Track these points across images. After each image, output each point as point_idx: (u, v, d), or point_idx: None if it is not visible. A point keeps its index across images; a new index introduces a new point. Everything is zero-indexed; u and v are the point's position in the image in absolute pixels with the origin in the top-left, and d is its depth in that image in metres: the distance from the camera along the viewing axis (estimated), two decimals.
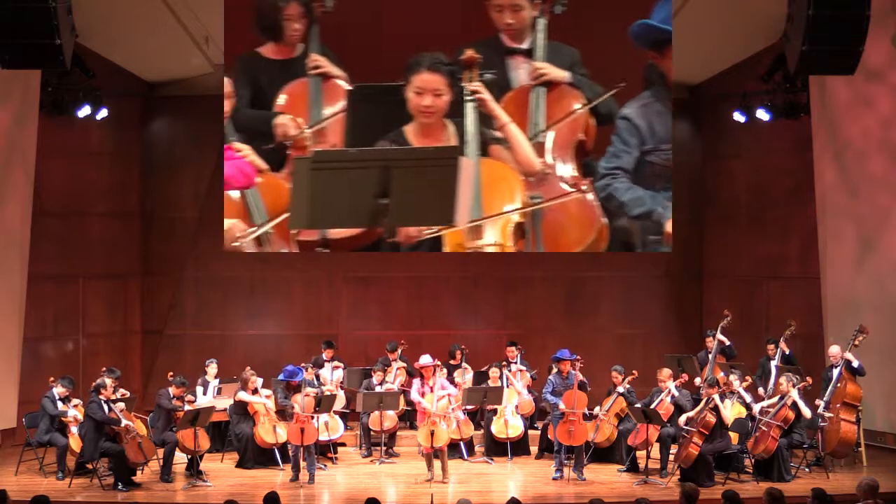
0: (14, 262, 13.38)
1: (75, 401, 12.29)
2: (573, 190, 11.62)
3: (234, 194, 11.70)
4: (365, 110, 11.42)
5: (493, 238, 11.51)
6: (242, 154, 11.61)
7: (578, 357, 12.26)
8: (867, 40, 10.58)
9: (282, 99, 11.87)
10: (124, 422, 11.43)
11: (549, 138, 11.75)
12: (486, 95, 11.35)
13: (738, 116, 14.50)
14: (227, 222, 11.65)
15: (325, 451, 12.84)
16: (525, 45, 11.89)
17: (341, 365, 14.00)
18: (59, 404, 12.10)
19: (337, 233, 11.58)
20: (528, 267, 15.45)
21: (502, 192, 11.41)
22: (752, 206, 15.34)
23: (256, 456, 12.49)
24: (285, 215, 11.34)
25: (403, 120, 11.20)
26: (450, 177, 10.60)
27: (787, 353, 13.05)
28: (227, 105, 11.82)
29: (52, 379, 12.30)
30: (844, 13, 10.43)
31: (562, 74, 11.80)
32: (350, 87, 11.65)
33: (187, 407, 12.10)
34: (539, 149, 11.69)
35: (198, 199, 15.38)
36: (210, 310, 15.55)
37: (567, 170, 11.83)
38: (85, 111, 13.76)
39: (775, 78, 13.74)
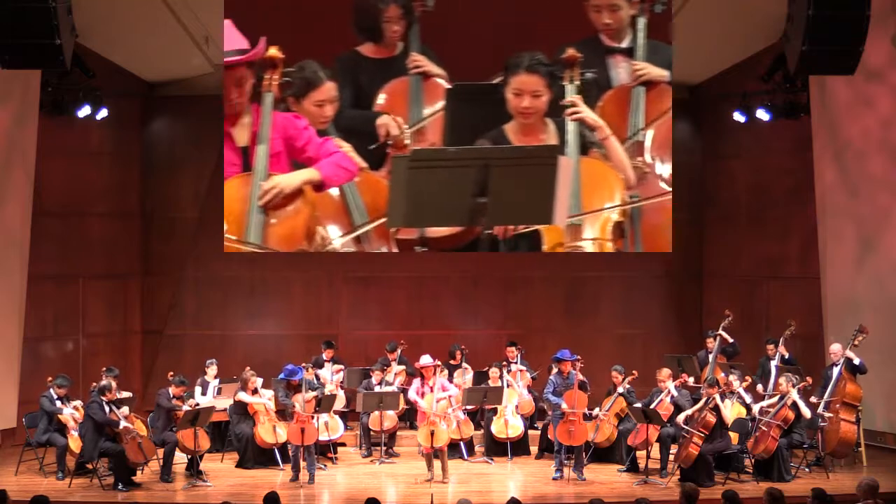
0: (14, 262, 13.38)
1: (75, 402, 12.29)
2: (671, 189, 11.67)
3: (334, 192, 11.64)
4: (464, 109, 11.48)
5: (593, 236, 11.62)
6: (344, 149, 11.55)
7: (579, 357, 12.27)
8: (867, 40, 10.58)
9: (382, 98, 11.90)
10: (122, 424, 11.42)
11: (648, 137, 11.84)
12: (583, 110, 11.40)
13: (738, 116, 14.50)
14: (326, 221, 11.56)
15: (325, 451, 12.84)
16: (625, 45, 11.98)
17: (342, 367, 13.99)
18: (58, 403, 12.10)
19: (435, 231, 11.64)
20: (528, 267, 15.45)
21: (602, 190, 11.49)
22: (752, 206, 15.34)
23: (256, 456, 12.49)
24: (382, 220, 11.44)
25: (503, 119, 11.26)
26: (549, 175, 10.74)
27: (787, 356, 13.05)
28: (331, 109, 11.70)
29: (49, 379, 12.30)
30: (844, 13, 10.43)
31: (661, 73, 11.83)
32: (449, 86, 11.67)
33: (186, 407, 12.10)
34: (638, 148, 11.79)
35: (198, 199, 15.39)
36: (210, 310, 15.55)
37: (666, 169, 11.93)
38: (85, 111, 13.76)
39: (775, 78, 13.74)
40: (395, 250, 12.00)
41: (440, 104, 11.73)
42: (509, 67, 11.11)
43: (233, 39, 11.02)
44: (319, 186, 11.24)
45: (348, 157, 11.46)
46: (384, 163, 11.79)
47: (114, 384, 11.71)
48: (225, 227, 11.26)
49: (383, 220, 11.51)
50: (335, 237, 11.69)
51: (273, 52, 11.15)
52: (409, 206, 10.76)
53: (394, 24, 11.87)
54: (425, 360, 12.71)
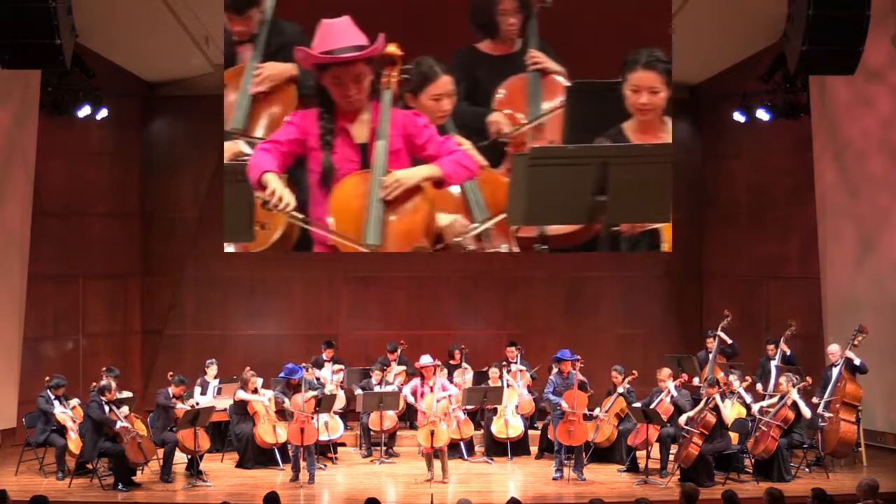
0: (14, 262, 13.38)
1: (74, 401, 12.29)
2: None
3: (455, 190, 11.60)
4: (583, 106, 11.46)
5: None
6: (464, 148, 11.53)
7: (579, 357, 12.27)
8: (867, 40, 10.59)
9: (500, 94, 11.86)
10: (119, 424, 11.41)
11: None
12: None
13: (738, 116, 14.50)
14: (447, 217, 11.40)
15: (325, 451, 12.84)
16: None
17: (342, 367, 13.99)
18: (55, 403, 12.10)
19: (555, 229, 11.60)
20: (528, 267, 15.45)
21: None
22: (752, 206, 15.34)
23: (256, 456, 12.49)
24: (502, 216, 11.41)
25: (622, 116, 11.27)
26: (666, 174, 10.92)
27: (788, 353, 13.06)
28: (448, 103, 11.62)
29: (46, 378, 12.31)
30: (844, 13, 10.43)
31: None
32: (568, 83, 11.66)
33: (183, 406, 12.10)
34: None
35: (198, 199, 15.39)
36: (210, 310, 15.56)
37: None
38: (85, 111, 13.76)
39: (775, 78, 13.74)
40: (515, 249, 11.94)
41: (559, 101, 11.72)
42: (627, 64, 11.10)
43: (351, 35, 10.96)
44: (440, 183, 11.15)
45: (469, 155, 11.38)
46: (503, 160, 11.78)
47: (114, 384, 11.72)
48: (332, 223, 11.01)
49: (503, 216, 11.50)
50: (460, 233, 11.63)
51: (392, 48, 11.12)
52: (530, 204, 10.85)
53: (509, 17, 11.85)
54: (425, 360, 12.71)
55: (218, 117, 12.25)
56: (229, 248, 12.00)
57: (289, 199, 10.74)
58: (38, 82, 13.13)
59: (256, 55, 11.82)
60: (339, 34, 10.93)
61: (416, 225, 11.08)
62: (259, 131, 11.72)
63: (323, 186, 11.13)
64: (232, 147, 11.70)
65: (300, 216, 10.98)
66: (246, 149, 11.64)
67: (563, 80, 11.76)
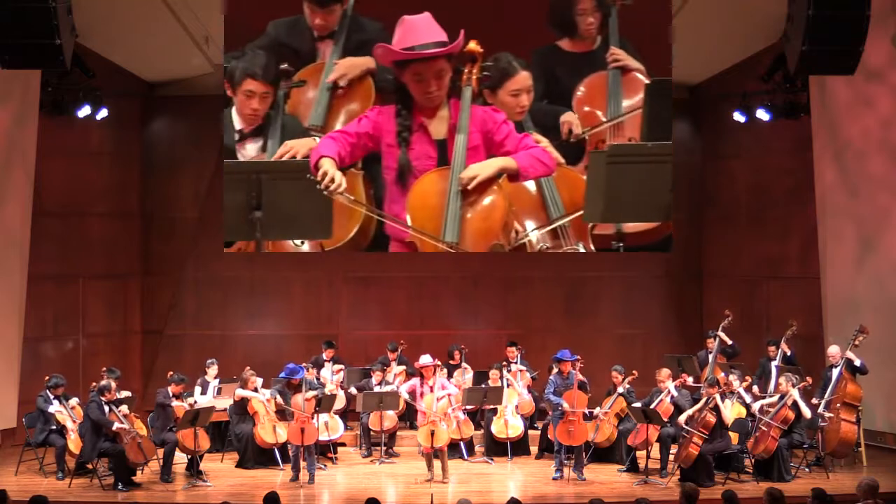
0: (14, 262, 13.38)
1: (73, 400, 12.28)
2: None
3: (531, 187, 11.59)
4: (662, 104, 11.43)
5: None
6: (542, 145, 11.53)
7: (579, 357, 12.27)
8: (867, 40, 10.59)
9: (580, 92, 11.94)
10: (116, 425, 11.39)
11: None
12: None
13: (738, 116, 14.50)
14: (522, 217, 11.52)
15: (325, 451, 12.84)
16: None
17: (342, 366, 13.99)
18: (55, 402, 12.10)
19: (632, 227, 11.65)
20: (528, 267, 15.45)
21: None
22: (752, 206, 15.34)
23: (256, 456, 12.49)
24: (579, 213, 11.50)
25: None
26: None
27: (789, 353, 13.05)
28: (526, 99, 11.70)
29: (46, 378, 12.31)
30: (844, 13, 10.44)
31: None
32: (648, 81, 11.63)
33: (181, 404, 12.10)
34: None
35: (198, 199, 15.39)
36: (210, 310, 15.55)
37: None
38: (85, 111, 13.76)
39: (775, 78, 13.74)
40: (591, 248, 11.97)
41: (639, 98, 11.74)
42: None
43: (432, 32, 10.99)
44: (515, 176, 11.16)
45: (547, 151, 11.41)
46: (583, 158, 11.77)
47: (113, 384, 11.71)
48: (409, 220, 11.09)
49: (580, 213, 11.48)
50: (531, 230, 11.61)
51: (473, 45, 11.14)
52: (607, 201, 10.82)
53: (588, 16, 11.90)
54: (425, 359, 12.70)
55: (218, 117, 12.26)
56: (304, 245, 12.00)
57: (340, 179, 10.82)
58: (38, 82, 13.13)
59: (336, 51, 11.85)
60: (420, 31, 10.97)
61: (494, 222, 11.09)
62: (337, 127, 11.80)
63: (400, 183, 11.19)
64: (308, 143, 11.70)
65: (377, 211, 11.05)
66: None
67: (642, 78, 11.78)
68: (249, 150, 11.97)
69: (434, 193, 11.05)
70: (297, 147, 11.65)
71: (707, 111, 15.71)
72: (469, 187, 10.94)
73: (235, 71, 11.81)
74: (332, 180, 10.75)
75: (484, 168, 11.02)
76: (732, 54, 14.58)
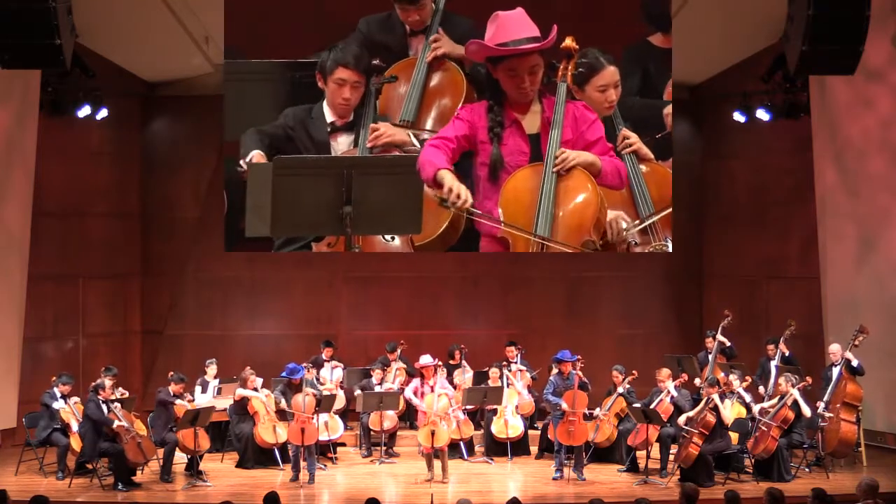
0: (14, 262, 13.38)
1: (74, 399, 12.28)
2: None
3: None
4: None
5: None
6: (630, 141, 11.57)
7: (579, 357, 12.27)
8: (867, 40, 10.58)
9: (672, 87, 12.07)
10: (116, 423, 11.40)
11: None
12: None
13: (738, 116, 14.49)
14: (611, 213, 11.41)
15: (325, 451, 12.84)
16: None
17: (341, 365, 14.00)
18: (60, 401, 12.11)
19: None
20: (528, 267, 15.44)
21: None
22: (752, 206, 15.33)
23: (256, 456, 12.49)
24: (668, 210, 11.53)
25: None
26: None
27: (787, 354, 13.05)
28: (614, 94, 11.72)
29: (53, 378, 12.31)
30: (844, 13, 10.42)
31: None
32: None
33: (182, 402, 12.10)
34: None
35: (198, 199, 15.38)
36: (210, 310, 15.55)
37: None
38: (85, 111, 13.75)
39: (775, 78, 13.73)
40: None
41: None
42: None
43: (526, 27, 11.00)
44: (596, 175, 11.20)
45: (625, 167, 11.45)
46: (670, 154, 11.91)
47: (107, 383, 11.68)
48: (501, 215, 11.09)
49: (669, 210, 11.53)
50: (631, 230, 11.61)
51: (569, 41, 11.14)
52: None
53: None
54: (425, 359, 12.71)
55: (218, 117, 12.24)
56: (395, 241, 11.93)
57: (466, 195, 10.82)
58: (38, 82, 13.13)
59: (428, 46, 11.86)
60: (514, 26, 10.98)
61: (586, 220, 11.06)
62: (429, 123, 11.79)
63: (492, 179, 11.18)
64: (402, 133, 11.69)
65: (476, 211, 11.02)
66: (414, 140, 11.70)
67: None
68: (342, 144, 11.93)
69: (527, 189, 11.02)
70: (389, 130, 11.62)
71: (707, 111, 15.71)
72: (563, 169, 10.96)
73: (327, 62, 11.75)
74: (459, 196, 10.78)
75: (575, 156, 11.08)
76: (732, 54, 14.58)
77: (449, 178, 10.85)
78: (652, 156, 11.69)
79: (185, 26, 13.47)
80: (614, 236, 11.42)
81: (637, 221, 11.42)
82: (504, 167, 11.13)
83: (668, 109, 11.97)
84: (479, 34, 11.17)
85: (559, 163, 10.93)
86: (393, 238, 11.93)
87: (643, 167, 11.65)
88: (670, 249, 11.98)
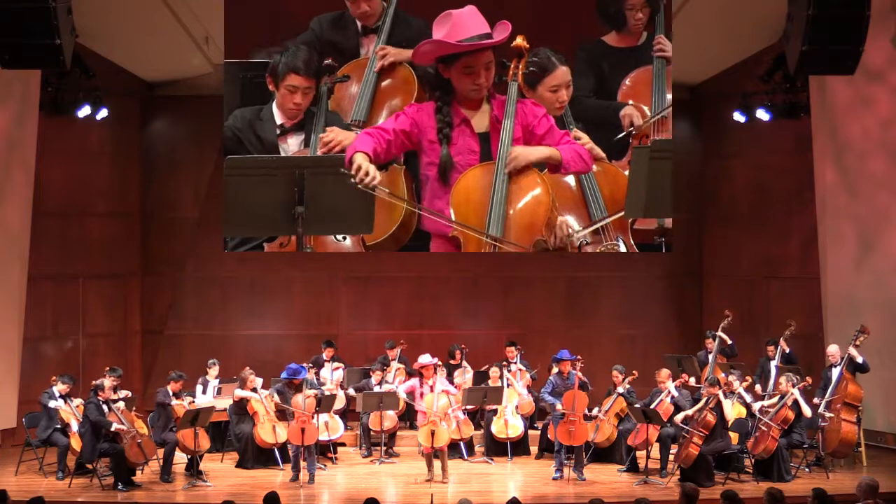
0: (14, 262, 13.38)
1: (77, 401, 12.28)
2: None
3: (571, 182, 11.62)
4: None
5: None
6: (582, 142, 11.56)
7: (579, 357, 12.26)
8: (867, 40, 10.58)
9: (626, 86, 12.02)
10: (115, 426, 11.39)
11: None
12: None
13: (738, 116, 14.50)
14: (561, 218, 11.53)
15: (325, 451, 12.84)
16: None
17: (341, 365, 14.00)
18: (60, 402, 12.11)
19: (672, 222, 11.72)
20: (528, 267, 15.44)
21: None
22: (752, 206, 15.33)
23: (256, 456, 12.49)
24: (619, 214, 11.55)
25: None
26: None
27: (788, 351, 13.05)
28: (565, 94, 11.76)
29: (53, 378, 12.31)
30: (844, 13, 10.43)
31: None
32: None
33: (180, 403, 12.09)
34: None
35: (198, 199, 15.38)
36: (210, 310, 15.55)
37: None
38: (85, 111, 13.76)
39: (775, 78, 13.74)
40: (631, 242, 12.01)
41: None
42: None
43: (479, 24, 11.07)
44: (557, 167, 11.18)
45: (586, 150, 11.46)
46: (625, 153, 11.83)
47: (106, 383, 11.67)
48: (452, 214, 11.09)
49: (621, 213, 11.50)
50: (580, 233, 11.64)
51: (520, 41, 11.18)
52: (649, 196, 10.90)
53: (637, 11, 11.92)
54: (424, 358, 12.69)
55: (218, 117, 12.24)
56: (346, 241, 11.99)
57: (374, 173, 10.86)
58: (38, 82, 13.13)
59: (375, 55, 11.91)
60: (468, 23, 11.07)
61: (538, 218, 11.11)
62: (380, 122, 11.84)
63: (442, 179, 11.22)
64: (351, 136, 11.71)
65: (416, 204, 11.12)
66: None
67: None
68: (292, 145, 11.99)
69: (478, 188, 11.09)
70: (339, 136, 11.70)
71: (707, 111, 15.71)
72: (511, 169, 10.95)
73: (278, 65, 11.82)
74: (367, 173, 10.81)
75: (527, 153, 11.06)
76: (732, 54, 14.59)
77: (360, 158, 10.94)
78: (604, 155, 11.71)
79: (185, 26, 13.47)
80: (564, 238, 11.46)
81: (587, 225, 11.47)
82: (454, 167, 11.20)
83: (627, 110, 11.91)
84: (430, 34, 11.19)
85: (510, 161, 10.96)
86: (344, 238, 11.97)
87: (595, 167, 11.66)
88: (623, 249, 11.97)
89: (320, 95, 11.92)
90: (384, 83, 11.98)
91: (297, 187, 11.21)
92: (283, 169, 11.34)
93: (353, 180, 10.93)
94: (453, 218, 11.08)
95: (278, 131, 11.99)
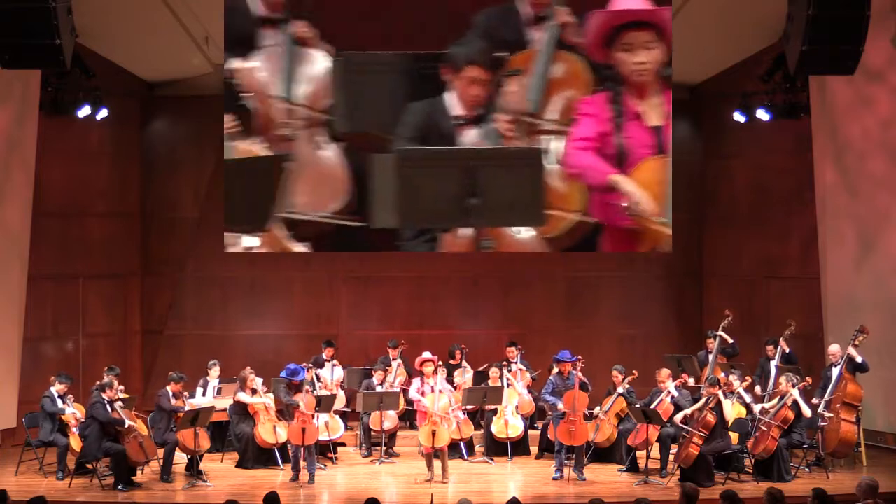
0: (14, 262, 13.38)
1: (73, 410, 12.25)
2: None
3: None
4: None
5: None
6: None
7: (579, 357, 12.26)
8: (867, 40, 10.58)
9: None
10: (128, 423, 11.43)
11: None
12: None
13: (738, 116, 14.51)
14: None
15: (325, 451, 12.84)
16: None
17: (341, 365, 13.99)
18: (59, 402, 12.11)
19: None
20: (528, 267, 15.45)
21: None
22: (752, 206, 15.34)
23: (256, 456, 12.49)
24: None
25: None
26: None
27: (788, 351, 13.05)
28: None
29: (52, 378, 12.31)
30: (844, 13, 10.42)
31: None
32: None
33: (182, 407, 12.10)
34: None
35: (198, 199, 15.39)
36: (210, 310, 15.55)
37: None
38: (85, 111, 13.77)
39: (775, 78, 13.75)
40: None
41: None
42: None
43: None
44: None
45: None
46: None
47: (115, 382, 11.71)
48: (651, 208, 11.14)
49: None
50: None
51: None
52: None
53: None
54: (426, 354, 12.69)
55: (218, 117, 12.24)
56: (523, 234, 11.92)
57: (642, 197, 10.91)
58: (38, 82, 13.14)
59: (548, 37, 11.78)
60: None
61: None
62: (553, 115, 11.75)
63: (617, 170, 11.21)
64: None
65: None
66: None
67: None
68: (469, 137, 11.90)
69: (655, 183, 11.11)
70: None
71: (707, 111, 15.71)
72: None
73: (457, 57, 11.73)
74: (639, 202, 10.90)
75: None
76: (732, 54, 14.59)
77: (624, 182, 10.95)
78: None
79: (185, 26, 13.46)
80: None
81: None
82: (628, 159, 11.13)
83: None
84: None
85: None
86: (520, 232, 11.95)
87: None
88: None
89: (493, 88, 11.81)
90: (555, 75, 11.78)
91: (470, 179, 11.19)
92: (456, 160, 11.30)
93: (629, 210, 10.98)
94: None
95: (455, 122, 11.89)
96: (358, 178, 11.84)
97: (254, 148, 11.83)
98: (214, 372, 13.22)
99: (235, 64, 11.78)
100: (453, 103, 11.68)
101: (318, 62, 11.86)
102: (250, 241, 12.01)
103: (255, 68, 11.78)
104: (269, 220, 11.77)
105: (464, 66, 11.55)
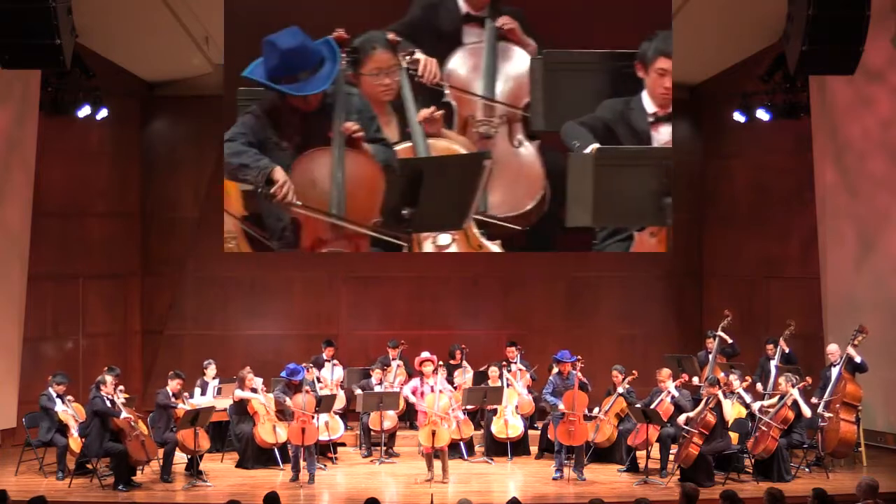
0: (14, 262, 13.38)
1: (73, 407, 12.26)
2: None
3: None
4: None
5: None
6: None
7: (579, 357, 12.26)
8: (867, 40, 10.59)
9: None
10: (124, 414, 11.43)
11: None
12: None
13: (738, 116, 14.50)
14: None
15: (325, 451, 12.84)
16: None
17: (339, 365, 13.99)
18: (58, 402, 12.11)
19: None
20: (528, 267, 15.44)
21: None
22: (752, 206, 15.34)
23: (256, 456, 12.49)
24: None
25: None
26: None
27: (787, 351, 13.05)
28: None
29: (49, 378, 12.31)
30: (844, 13, 10.43)
31: None
32: None
33: (186, 406, 12.10)
34: None
35: (198, 199, 15.38)
36: (210, 310, 15.55)
37: None
38: (85, 111, 13.76)
39: (775, 78, 13.75)
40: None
41: None
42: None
43: None
44: None
45: None
46: None
47: (109, 378, 11.68)
48: None
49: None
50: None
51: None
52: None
53: None
54: (425, 354, 12.70)
55: (218, 117, 12.25)
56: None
57: None
58: (38, 82, 13.13)
59: None
60: None
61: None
62: None
63: None
64: None
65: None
66: None
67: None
68: (663, 135, 11.90)
69: None
70: None
71: (707, 111, 15.71)
72: None
73: (648, 51, 11.76)
74: None
75: None
76: (732, 54, 14.59)
77: None
78: None
79: (185, 26, 13.47)
80: None
81: None
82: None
83: None
84: None
85: None
86: (642, 229, 12.14)
87: None
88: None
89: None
90: None
91: (667, 178, 11.19)
92: (653, 159, 11.29)
93: None
94: None
95: (650, 120, 11.88)
96: (552, 176, 11.94)
97: (453, 147, 11.92)
98: (210, 371, 13.22)
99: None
100: (647, 100, 11.77)
101: (519, 58, 11.93)
102: (444, 240, 12.11)
103: (457, 66, 11.86)
104: (466, 219, 11.86)
105: (656, 59, 11.70)
